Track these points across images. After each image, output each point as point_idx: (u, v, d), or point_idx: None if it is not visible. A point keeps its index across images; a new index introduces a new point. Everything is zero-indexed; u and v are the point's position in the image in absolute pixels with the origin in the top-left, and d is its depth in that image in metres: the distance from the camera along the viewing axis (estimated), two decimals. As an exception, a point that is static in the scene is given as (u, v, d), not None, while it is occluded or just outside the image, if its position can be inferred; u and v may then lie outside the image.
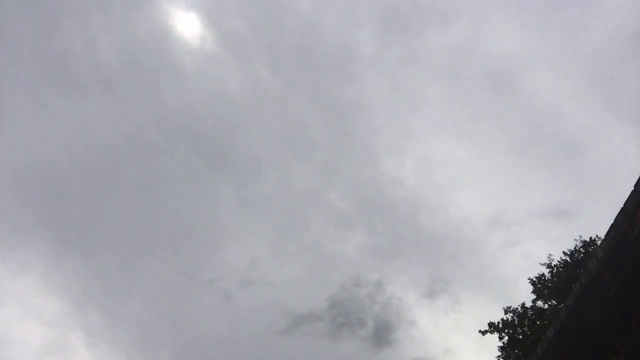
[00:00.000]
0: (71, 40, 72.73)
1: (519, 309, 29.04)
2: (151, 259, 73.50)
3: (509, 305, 29.39)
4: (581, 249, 27.98)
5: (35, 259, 64.98)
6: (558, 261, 28.74)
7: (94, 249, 71.09)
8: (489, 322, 29.32)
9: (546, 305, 28.38)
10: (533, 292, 28.88)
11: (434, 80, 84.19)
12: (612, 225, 10.67)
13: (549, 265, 28.98)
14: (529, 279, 29.24)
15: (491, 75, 78.95)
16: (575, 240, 28.61)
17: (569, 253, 28.48)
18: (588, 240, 28.08)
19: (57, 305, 64.78)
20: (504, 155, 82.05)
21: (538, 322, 28.05)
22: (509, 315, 29.08)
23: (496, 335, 29.00)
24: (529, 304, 29.06)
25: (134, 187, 78.10)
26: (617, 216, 10.46)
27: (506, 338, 28.64)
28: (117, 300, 69.41)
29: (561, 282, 27.28)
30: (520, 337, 28.23)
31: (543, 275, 28.99)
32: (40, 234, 67.63)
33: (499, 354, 28.66)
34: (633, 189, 9.81)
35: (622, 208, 10.19)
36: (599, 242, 20.67)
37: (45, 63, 71.81)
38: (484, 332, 29.30)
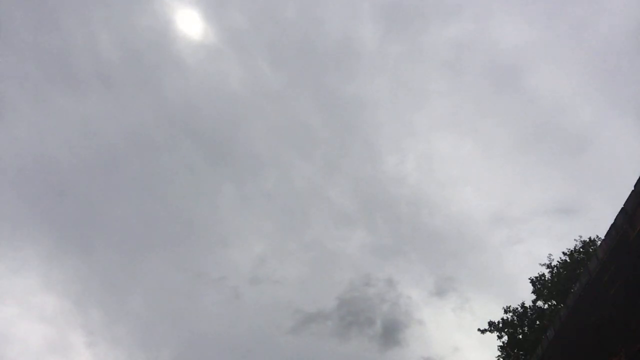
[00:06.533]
0: (71, 36, 72.84)
1: (519, 308, 29.05)
2: (152, 256, 73.66)
3: (508, 305, 29.46)
4: (581, 249, 27.95)
5: (35, 257, 65.11)
6: (558, 261, 28.72)
7: (94, 247, 71.22)
8: (488, 321, 29.44)
9: (546, 305, 28.37)
10: (533, 292, 28.88)
11: (436, 76, 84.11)
12: (612, 225, 10.66)
13: (549, 266, 28.97)
14: (529, 279, 29.27)
15: (495, 71, 79.04)
16: (575, 240, 28.63)
17: (568, 253, 28.45)
18: (588, 240, 28.06)
19: (57, 303, 64.88)
20: (507, 152, 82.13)
21: (538, 322, 28.03)
22: (509, 315, 29.11)
23: (496, 334, 29.09)
24: (530, 304, 29.09)
25: (135, 184, 78.26)
26: (617, 216, 10.45)
27: (506, 337, 28.67)
28: (117, 298, 69.58)
29: (561, 282, 27.25)
30: (520, 337, 28.23)
31: (543, 275, 28.99)
32: (40, 232, 67.78)
33: (499, 353, 28.69)
34: (633, 189, 9.79)
35: (622, 208, 10.17)
36: (599, 242, 20.65)
37: (46, 59, 71.85)
38: (483, 331, 29.37)
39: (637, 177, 9.52)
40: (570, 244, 29.57)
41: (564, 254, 28.67)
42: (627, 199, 10.02)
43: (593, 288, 11.44)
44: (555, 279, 28.06)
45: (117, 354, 63.86)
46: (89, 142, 73.61)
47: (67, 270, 67.53)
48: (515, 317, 28.87)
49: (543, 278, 28.87)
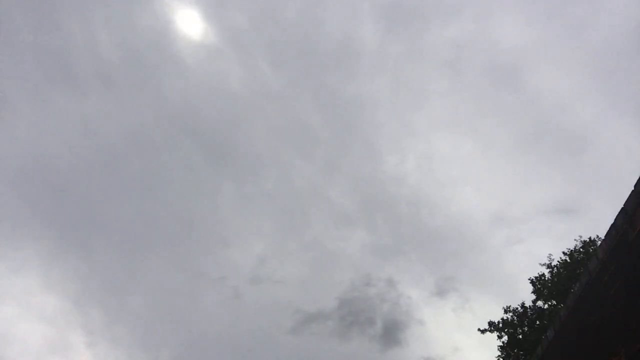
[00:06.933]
0: (72, 36, 72.73)
1: (519, 308, 29.05)
2: (152, 256, 73.63)
3: (508, 305, 29.47)
4: (581, 249, 27.95)
5: (35, 256, 65.08)
6: (558, 261, 28.73)
7: (94, 246, 71.20)
8: (489, 321, 29.45)
9: (546, 305, 28.37)
10: (533, 292, 28.89)
11: (437, 75, 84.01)
12: (612, 225, 10.64)
13: (549, 266, 28.98)
14: (529, 279, 29.28)
15: (495, 71, 78.98)
16: (575, 240, 28.65)
17: (569, 253, 28.45)
18: (588, 240, 28.07)
19: (57, 303, 64.83)
20: (507, 152, 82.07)
21: (538, 322, 28.03)
22: (509, 315, 29.12)
23: (496, 334, 29.10)
24: (530, 304, 29.10)
25: (135, 184, 78.22)
26: (617, 216, 10.43)
27: (506, 337, 28.67)
28: (117, 298, 69.57)
29: (561, 282, 27.26)
30: (520, 337, 28.23)
31: (543, 275, 28.99)
32: (40, 232, 67.72)
33: (499, 353, 28.70)
34: (633, 189, 9.78)
35: (622, 208, 10.16)
36: (599, 242, 20.65)
37: (46, 59, 71.75)
38: (483, 331, 29.38)
39: (637, 177, 9.51)
40: (570, 244, 29.61)
41: (564, 254, 28.69)
42: (627, 199, 10.01)
43: (593, 288, 11.43)
44: (555, 279, 28.06)
45: (117, 354, 63.88)
46: (89, 142, 73.62)
47: (67, 270, 67.56)
48: (515, 317, 28.86)
49: (543, 278, 28.87)
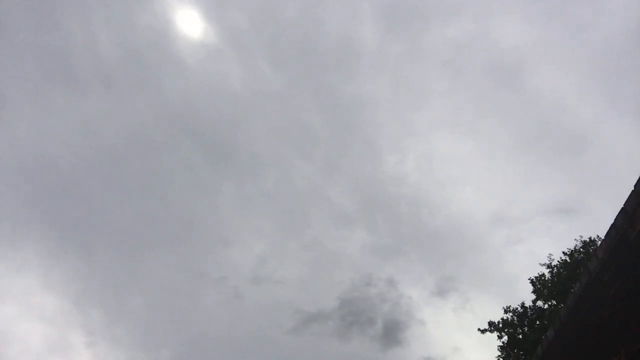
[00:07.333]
0: (71, 36, 72.84)
1: (519, 308, 29.06)
2: (152, 256, 73.62)
3: (508, 305, 29.48)
4: (581, 249, 27.93)
5: (36, 256, 65.10)
6: (558, 261, 28.72)
7: (94, 246, 71.18)
8: (489, 321, 29.46)
9: (546, 305, 28.38)
10: (533, 292, 28.90)
11: (437, 75, 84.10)
12: (612, 225, 10.65)
13: (549, 266, 28.97)
14: (529, 279, 29.28)
15: (495, 71, 79.10)
16: (575, 240, 28.62)
17: (568, 253, 28.44)
18: (588, 240, 28.05)
19: (57, 303, 64.83)
20: (507, 151, 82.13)
21: (538, 322, 28.04)
22: (509, 315, 29.12)
23: (496, 334, 29.11)
24: (530, 304, 29.10)
25: (135, 184, 78.25)
26: (617, 216, 10.44)
27: (506, 337, 28.68)
28: (117, 298, 69.54)
29: (561, 282, 27.25)
30: (520, 337, 28.23)
31: (543, 275, 28.99)
32: (40, 232, 67.77)
33: (499, 353, 28.71)
34: (633, 189, 9.79)
35: (622, 208, 10.17)
36: (599, 242, 20.64)
37: (46, 59, 71.82)
38: (483, 331, 29.39)
39: (637, 177, 9.52)
40: (570, 244, 29.58)
41: (564, 254, 28.68)
42: (627, 199, 10.02)
43: (593, 288, 11.44)
44: (555, 279, 28.06)
45: (117, 354, 63.86)
46: (89, 142, 73.69)
47: (67, 270, 67.60)
48: (515, 317, 28.87)
49: (543, 278, 28.87)
